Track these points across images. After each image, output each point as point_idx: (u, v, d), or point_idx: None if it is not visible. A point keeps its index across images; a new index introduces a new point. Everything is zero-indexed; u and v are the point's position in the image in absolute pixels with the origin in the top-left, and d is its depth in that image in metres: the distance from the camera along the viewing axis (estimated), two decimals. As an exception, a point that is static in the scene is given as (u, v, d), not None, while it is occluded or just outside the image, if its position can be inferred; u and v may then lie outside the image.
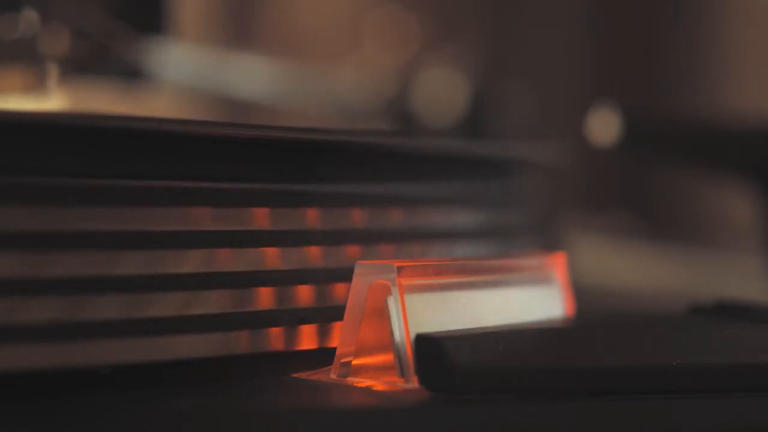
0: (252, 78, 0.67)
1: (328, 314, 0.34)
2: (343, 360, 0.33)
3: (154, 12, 0.59)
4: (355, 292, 0.33)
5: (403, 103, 0.69)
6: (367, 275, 0.33)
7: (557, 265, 0.38)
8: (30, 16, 0.53)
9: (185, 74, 0.63)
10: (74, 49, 0.55)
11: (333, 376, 0.33)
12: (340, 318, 0.33)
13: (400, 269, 0.33)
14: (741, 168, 0.57)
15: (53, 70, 0.53)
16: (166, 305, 0.31)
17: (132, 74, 0.58)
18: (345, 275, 0.34)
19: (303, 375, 0.34)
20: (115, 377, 0.31)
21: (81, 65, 0.55)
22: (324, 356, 0.34)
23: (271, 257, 0.33)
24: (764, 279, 0.58)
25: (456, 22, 1.10)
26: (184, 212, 0.32)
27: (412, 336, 0.32)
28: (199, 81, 0.64)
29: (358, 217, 0.36)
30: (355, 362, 0.33)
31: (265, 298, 0.33)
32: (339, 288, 0.34)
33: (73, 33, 0.55)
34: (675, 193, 1.06)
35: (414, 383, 0.32)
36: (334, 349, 0.33)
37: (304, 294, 0.34)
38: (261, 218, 0.33)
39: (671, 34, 1.10)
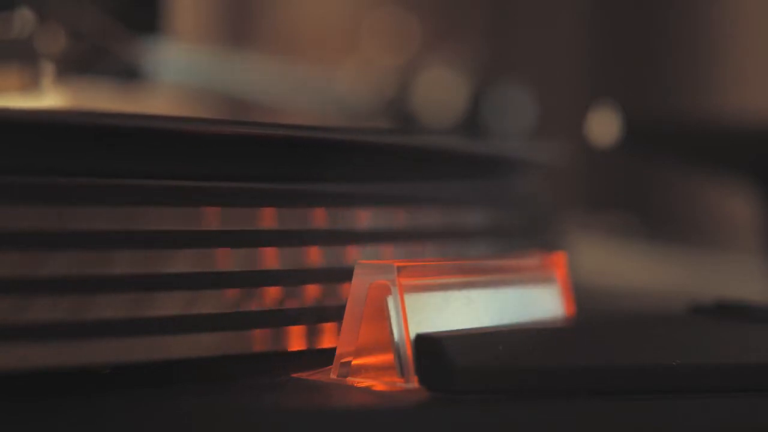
0: (251, 77, 0.66)
1: (328, 314, 0.34)
2: (343, 360, 0.33)
3: (152, 11, 0.59)
4: (355, 292, 0.33)
5: (403, 103, 0.69)
6: (367, 275, 0.33)
7: (557, 265, 0.38)
8: (26, 16, 0.53)
9: (183, 74, 0.62)
10: (71, 49, 0.55)
11: (333, 376, 0.33)
12: (340, 318, 0.33)
13: (400, 269, 0.33)
14: (741, 168, 0.57)
15: (49, 70, 0.53)
16: (166, 305, 0.31)
17: (129, 74, 0.58)
18: (345, 275, 0.34)
19: (303, 375, 0.34)
20: (115, 377, 0.31)
21: (78, 65, 0.55)
22: (324, 356, 0.34)
23: (271, 257, 0.33)
24: (764, 279, 0.58)
25: (456, 22, 1.10)
26: (185, 211, 0.32)
27: (412, 336, 0.32)
28: (197, 80, 0.64)
29: (357, 217, 0.36)
30: (355, 362, 0.33)
31: (265, 298, 0.33)
32: (339, 288, 0.34)
33: (69, 32, 0.54)
34: (675, 193, 1.06)
35: (414, 383, 0.32)
36: (334, 349, 0.33)
37: (304, 294, 0.34)
38: (261, 218, 0.33)
39: (671, 34, 1.10)
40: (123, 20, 0.58)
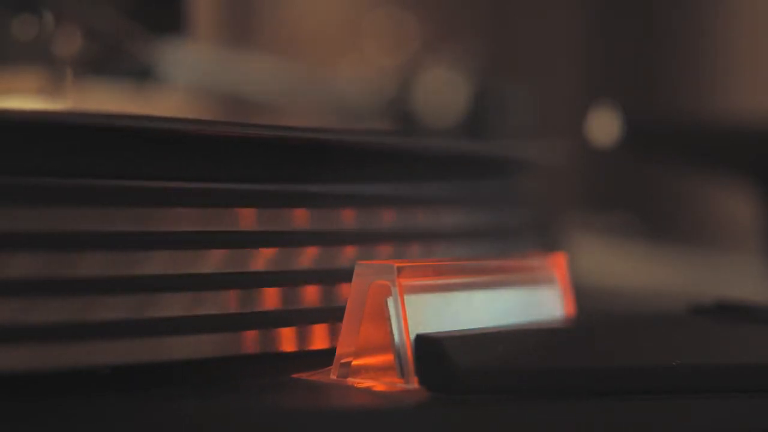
0: (254, 78, 0.66)
1: (328, 315, 0.34)
2: (343, 360, 0.33)
3: (166, 13, 0.59)
4: (355, 293, 0.33)
5: (403, 103, 0.69)
6: (367, 276, 0.33)
7: (557, 265, 0.38)
8: (45, 17, 0.53)
9: (195, 74, 0.62)
10: (86, 50, 0.54)
11: (333, 376, 0.33)
12: (340, 318, 0.33)
13: (400, 270, 0.33)
14: (741, 168, 0.57)
15: (68, 71, 0.53)
16: (166, 306, 0.31)
17: (143, 74, 0.58)
18: (345, 276, 0.34)
19: (303, 375, 0.34)
20: (115, 377, 0.31)
21: (93, 66, 0.55)
22: (324, 357, 0.34)
23: (271, 258, 0.33)
24: (764, 279, 0.58)
25: (456, 22, 1.10)
26: (186, 213, 0.32)
27: (412, 336, 0.32)
28: (208, 81, 0.64)
29: (357, 218, 0.36)
30: (355, 363, 0.33)
31: (265, 299, 0.33)
32: (339, 289, 0.34)
33: (85, 33, 0.54)
34: (675, 193, 1.06)
35: (414, 383, 0.32)
36: (334, 349, 0.33)
37: (305, 295, 0.34)
38: (261, 219, 0.33)
39: (671, 34, 1.10)
40: (138, 21, 0.58)
